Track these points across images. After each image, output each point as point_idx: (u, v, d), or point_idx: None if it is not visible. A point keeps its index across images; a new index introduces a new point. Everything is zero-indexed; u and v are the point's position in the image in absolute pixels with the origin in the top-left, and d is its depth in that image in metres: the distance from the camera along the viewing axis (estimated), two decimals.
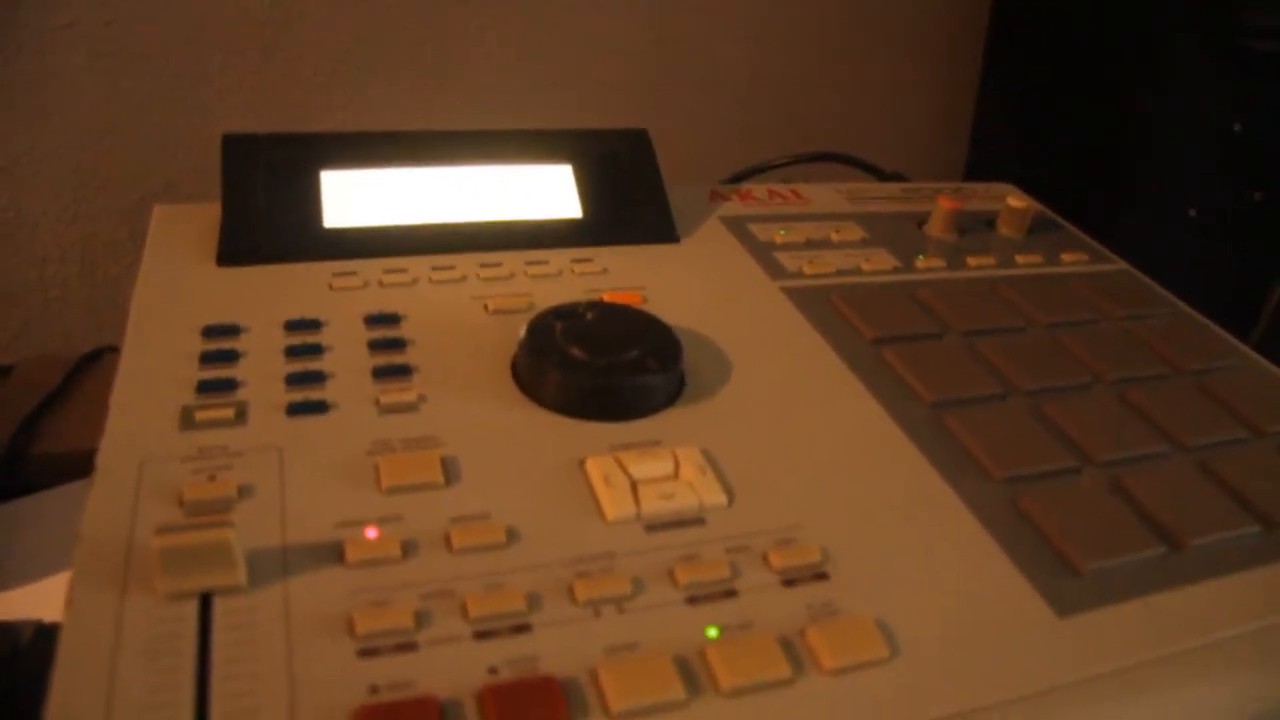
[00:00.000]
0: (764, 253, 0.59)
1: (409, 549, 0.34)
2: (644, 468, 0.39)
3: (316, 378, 0.42)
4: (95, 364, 0.75)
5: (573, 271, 0.53)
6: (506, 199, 0.56)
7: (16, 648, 0.45)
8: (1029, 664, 0.34)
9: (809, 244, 0.61)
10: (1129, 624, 0.37)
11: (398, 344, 0.45)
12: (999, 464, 0.44)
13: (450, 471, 0.38)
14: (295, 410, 0.40)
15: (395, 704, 0.29)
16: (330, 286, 0.49)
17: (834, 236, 0.62)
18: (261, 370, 0.43)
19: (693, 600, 0.34)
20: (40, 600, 0.54)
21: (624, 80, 1.13)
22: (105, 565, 0.32)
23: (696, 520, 0.38)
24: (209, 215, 0.52)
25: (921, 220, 0.66)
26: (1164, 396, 0.51)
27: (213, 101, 0.96)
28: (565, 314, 0.45)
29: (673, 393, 0.45)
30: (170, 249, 0.51)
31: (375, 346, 0.45)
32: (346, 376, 0.43)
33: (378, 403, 0.41)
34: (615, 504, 0.37)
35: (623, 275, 0.53)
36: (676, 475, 0.39)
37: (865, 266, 0.59)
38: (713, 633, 0.33)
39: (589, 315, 0.45)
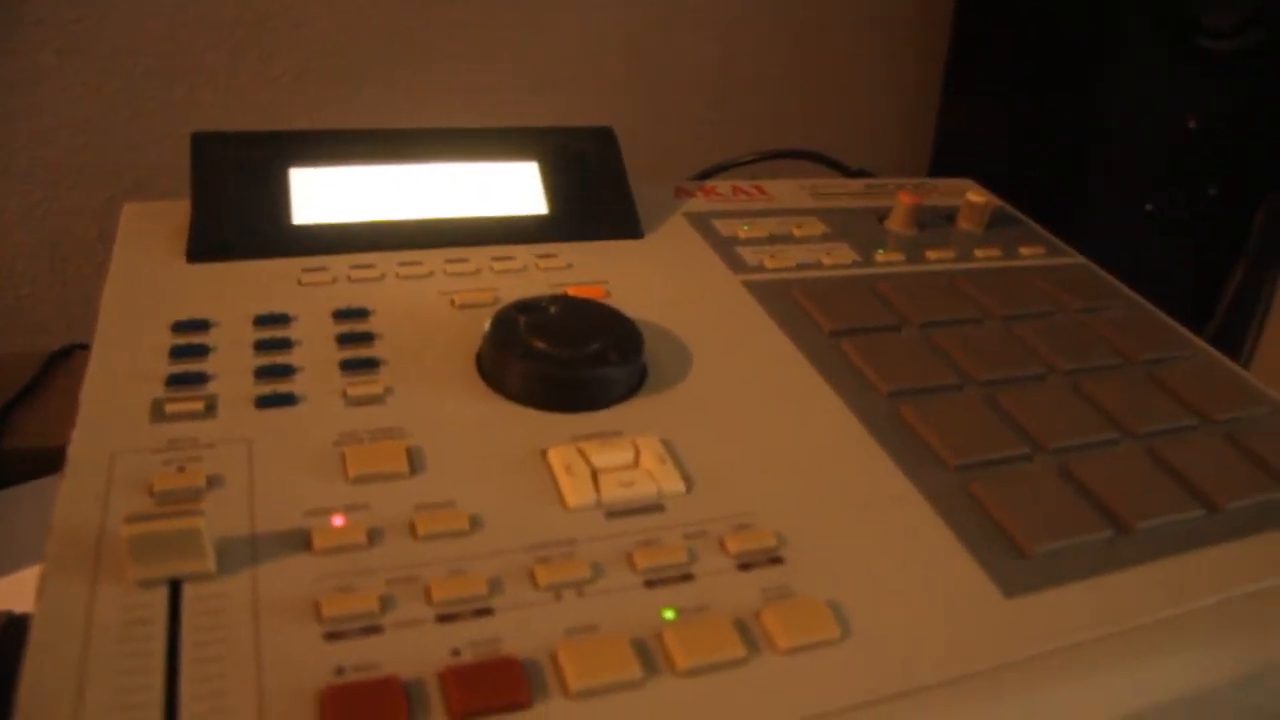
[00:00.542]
0: (727, 247, 0.60)
1: (375, 536, 0.35)
2: (605, 457, 0.40)
3: (285, 371, 0.43)
4: (66, 361, 0.75)
5: (538, 267, 0.54)
6: (473, 196, 0.57)
7: None
8: (976, 643, 0.35)
9: (771, 239, 0.62)
10: (1074, 604, 0.38)
11: (365, 338, 0.46)
12: (952, 452, 0.45)
13: (416, 461, 0.39)
14: (264, 403, 0.41)
15: (360, 684, 0.30)
16: (299, 282, 0.50)
17: (796, 231, 0.63)
18: (231, 364, 0.43)
19: (651, 584, 0.35)
20: (13, 593, 0.55)
21: (591, 79, 1.14)
22: (77, 554, 0.33)
23: (655, 507, 0.39)
24: (179, 213, 0.53)
25: (883, 215, 0.68)
26: (1115, 386, 0.53)
27: (182, 100, 0.96)
28: (529, 308, 0.45)
29: (634, 384, 0.46)
30: (140, 246, 0.51)
31: (343, 340, 0.46)
32: (315, 370, 0.44)
33: (345, 395, 0.42)
34: (576, 492, 0.38)
35: (587, 270, 0.54)
36: (636, 464, 0.40)
37: (826, 260, 0.60)
38: (670, 615, 0.34)
39: (552, 309, 0.46)
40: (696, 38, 1.17)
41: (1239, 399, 0.54)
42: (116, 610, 0.31)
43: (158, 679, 0.29)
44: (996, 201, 0.71)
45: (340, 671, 0.30)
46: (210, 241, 0.51)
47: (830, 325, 0.53)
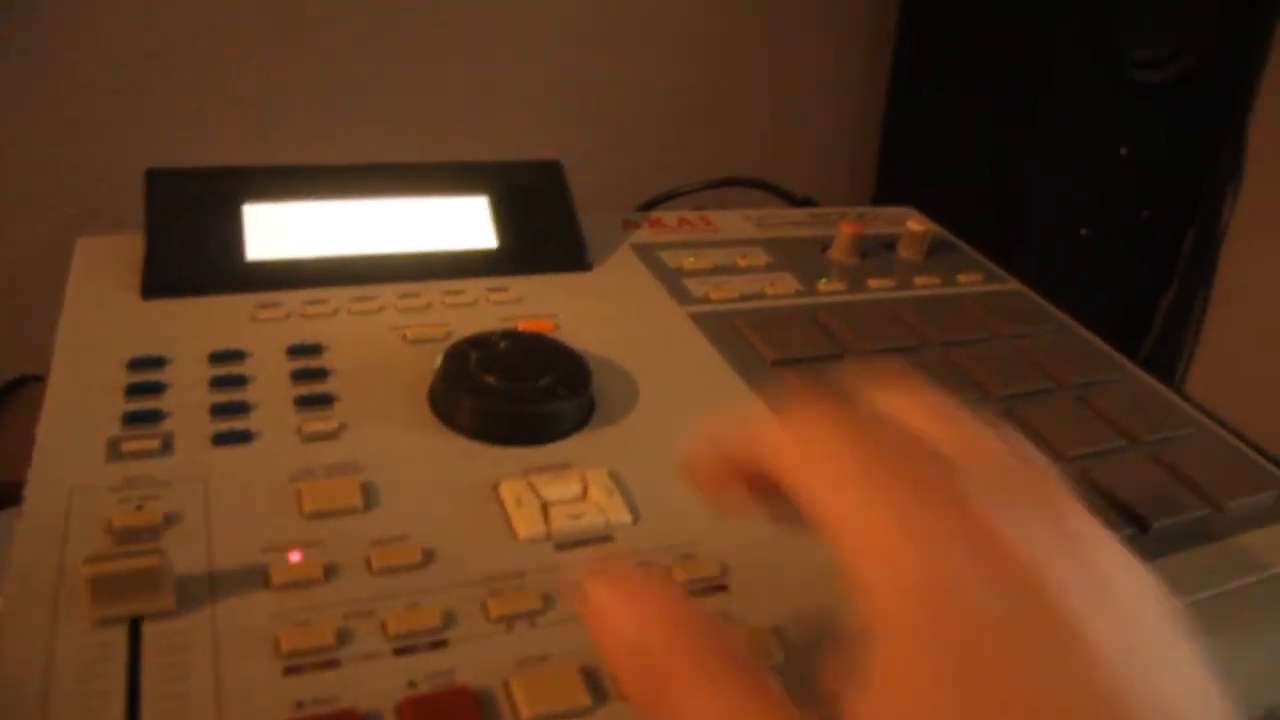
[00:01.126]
0: (673, 279, 0.61)
1: (331, 571, 0.36)
2: (554, 490, 0.41)
3: (241, 408, 0.44)
4: (18, 392, 0.75)
5: (488, 301, 0.55)
6: (425, 230, 0.58)
7: None
8: None
9: (716, 269, 0.63)
10: None
11: (319, 374, 0.47)
12: None
13: (370, 496, 0.40)
14: (220, 440, 0.42)
15: (319, 717, 0.30)
16: (253, 318, 0.50)
17: (740, 262, 0.65)
18: (187, 401, 0.44)
19: None
20: None
21: (537, 111, 1.15)
22: (35, 593, 0.33)
23: (604, 538, 0.40)
24: (132, 247, 0.53)
25: (825, 245, 0.69)
26: (1048, 410, 0.55)
27: (136, 132, 0.96)
28: (479, 343, 0.46)
29: (583, 417, 0.47)
30: (94, 282, 0.52)
31: (298, 376, 0.47)
32: (270, 406, 0.44)
33: (300, 431, 0.43)
34: (526, 524, 0.39)
35: (536, 304, 0.55)
36: (585, 496, 0.41)
37: (770, 290, 0.62)
38: None
39: (502, 344, 0.47)
40: (644, 70, 1.19)
41: (1166, 420, 0.56)
42: (76, 649, 0.32)
43: (118, 717, 0.30)
44: (936, 229, 0.73)
45: (299, 705, 0.31)
46: (164, 278, 0.51)
47: (773, 355, 0.54)
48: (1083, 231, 1.10)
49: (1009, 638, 0.22)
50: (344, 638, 0.33)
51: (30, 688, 0.30)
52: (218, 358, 0.47)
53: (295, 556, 0.36)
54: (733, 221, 0.71)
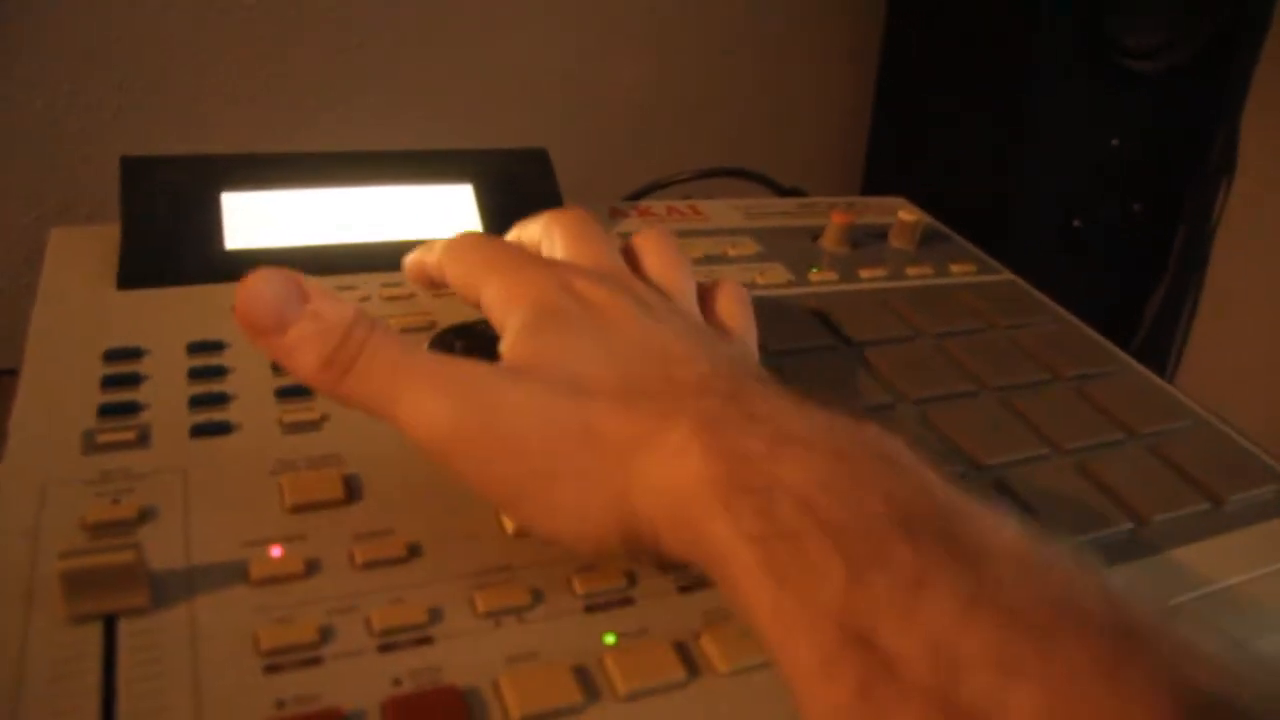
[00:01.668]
0: None
1: (313, 566, 0.35)
2: None
3: (220, 399, 0.43)
4: None
5: None
6: (408, 219, 0.57)
7: None
8: None
9: (705, 259, 0.62)
10: None
11: None
12: None
13: (352, 489, 0.39)
14: (199, 432, 0.41)
15: (301, 717, 0.29)
16: (232, 308, 0.49)
17: (730, 251, 0.64)
18: (164, 393, 0.43)
19: (590, 609, 0.35)
20: None
21: (524, 100, 1.14)
22: (8, 590, 0.32)
23: None
24: (108, 238, 0.52)
25: (816, 234, 0.69)
26: (1045, 402, 0.54)
27: (110, 121, 0.95)
28: (464, 332, 0.45)
29: None
30: (69, 273, 0.50)
31: (278, 367, 0.45)
32: (250, 397, 0.43)
33: (281, 422, 0.42)
34: None
35: None
36: None
37: (760, 280, 0.61)
38: (610, 639, 0.34)
39: (487, 333, 0.46)
40: (630, 58, 1.18)
41: (1163, 412, 0.55)
42: (50, 647, 0.31)
43: (93, 717, 0.29)
44: (928, 219, 0.72)
45: (281, 704, 0.30)
46: (141, 268, 0.50)
47: (765, 345, 0.53)
48: (1075, 223, 1.10)
49: (577, 320, 0.37)
50: (326, 634, 0.32)
51: (3, 686, 0.29)
52: (196, 348, 0.46)
53: (276, 551, 0.35)
54: (722, 211, 0.70)
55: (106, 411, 0.41)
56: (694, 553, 0.32)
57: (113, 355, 0.45)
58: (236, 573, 0.34)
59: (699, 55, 1.21)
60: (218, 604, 0.33)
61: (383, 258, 0.54)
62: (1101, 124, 1.08)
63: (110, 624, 0.32)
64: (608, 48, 1.16)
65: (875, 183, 1.28)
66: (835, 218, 0.67)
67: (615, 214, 0.66)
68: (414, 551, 0.36)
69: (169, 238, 0.52)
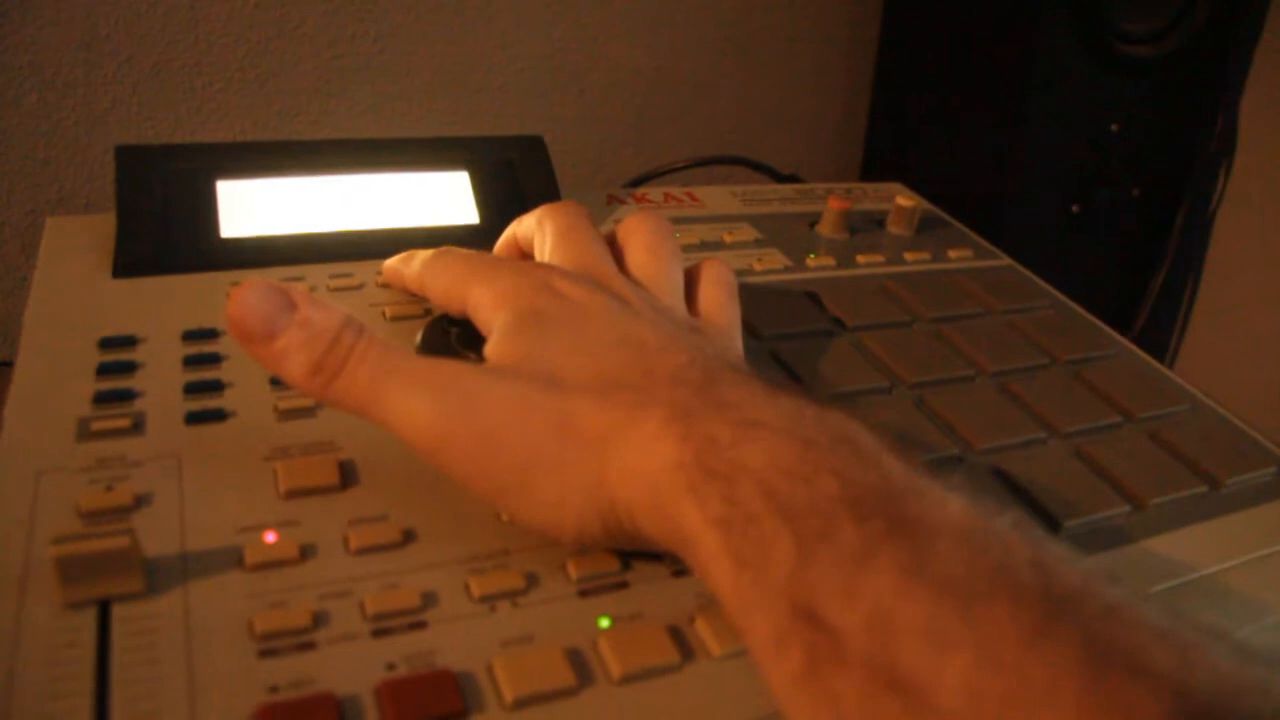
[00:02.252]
0: None
1: (308, 551, 0.35)
2: None
3: (215, 386, 0.43)
4: None
5: None
6: (404, 206, 0.56)
7: None
8: None
9: (702, 245, 0.62)
10: None
11: None
12: None
13: (348, 475, 0.39)
14: (194, 419, 0.41)
15: (294, 702, 0.29)
16: (228, 296, 0.49)
17: (727, 238, 0.64)
18: (159, 380, 0.43)
19: (585, 593, 0.35)
20: None
21: (521, 88, 1.14)
22: (3, 576, 0.32)
23: None
24: (103, 227, 0.52)
25: (813, 220, 0.68)
26: (1042, 386, 0.54)
27: (105, 112, 0.94)
28: (459, 319, 0.45)
29: None
30: (64, 261, 0.50)
31: None
32: (245, 384, 0.43)
33: (276, 409, 0.42)
34: None
35: None
36: None
37: (757, 266, 0.61)
38: (605, 623, 0.34)
39: None
40: (628, 46, 1.17)
41: (1161, 396, 0.55)
42: (44, 633, 0.31)
43: (87, 702, 0.29)
44: (925, 205, 0.72)
45: (274, 689, 0.30)
46: (136, 256, 0.50)
47: (763, 331, 0.53)
48: (1073, 209, 1.09)
49: (556, 319, 0.38)
50: (320, 619, 0.32)
51: None
52: (191, 336, 0.46)
53: (270, 537, 0.35)
54: (719, 197, 0.70)
55: (101, 399, 0.41)
56: (669, 538, 0.33)
57: (108, 343, 0.45)
58: (231, 558, 0.34)
59: (697, 42, 1.21)
60: (212, 589, 0.33)
61: (378, 245, 0.54)
62: (1100, 110, 1.07)
63: (105, 609, 0.32)
64: (606, 35, 1.15)
65: (873, 170, 1.28)
66: (833, 203, 0.67)
67: (612, 201, 0.66)
68: (409, 537, 0.36)
69: (164, 226, 0.52)
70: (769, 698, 0.30)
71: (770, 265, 0.61)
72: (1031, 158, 1.06)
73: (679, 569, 0.37)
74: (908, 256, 0.66)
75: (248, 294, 0.36)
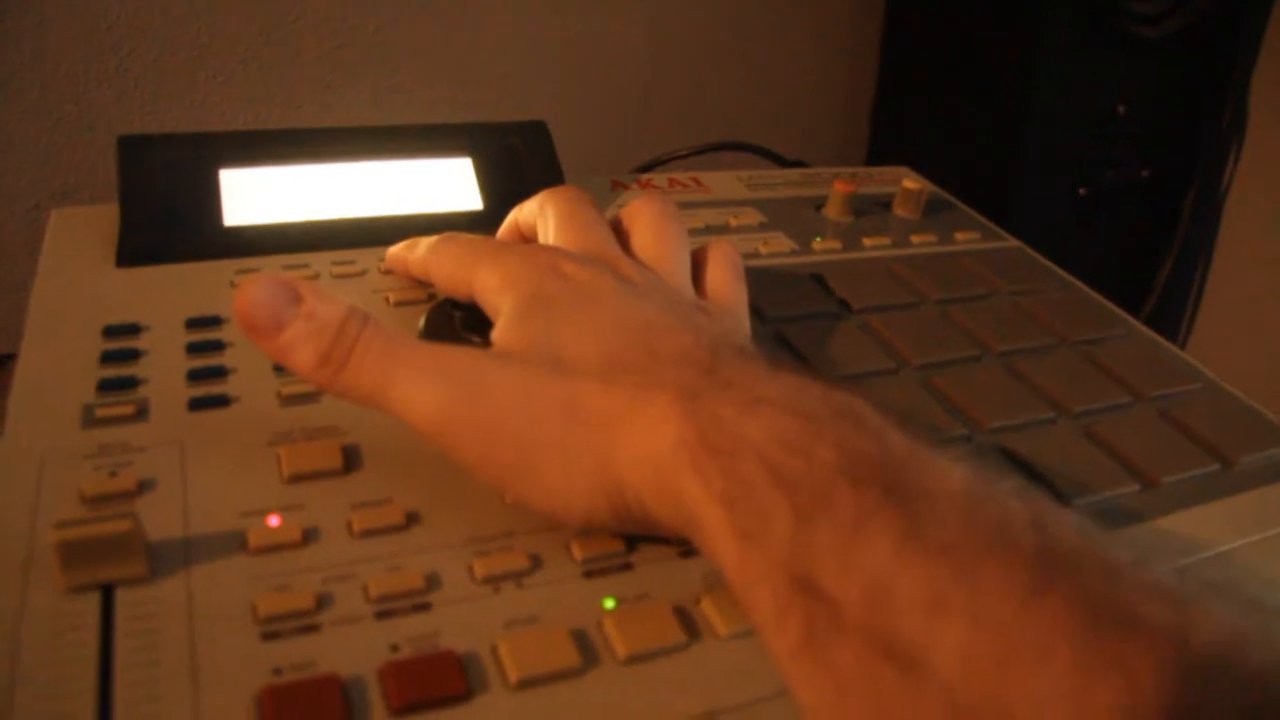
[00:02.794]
0: None
1: (311, 535, 0.35)
2: None
3: (218, 373, 0.43)
4: None
5: None
6: (407, 193, 0.56)
7: None
8: None
9: (707, 230, 0.62)
10: None
11: None
12: None
13: (351, 459, 0.39)
14: (197, 405, 0.41)
15: (298, 684, 0.29)
16: (232, 284, 0.49)
17: (732, 222, 0.63)
18: (163, 368, 0.43)
19: (590, 574, 0.35)
20: None
21: (524, 74, 1.13)
22: (6, 562, 0.32)
23: None
24: (107, 217, 0.52)
25: (819, 204, 0.68)
26: (1050, 366, 0.53)
27: (110, 105, 0.94)
28: (462, 303, 0.45)
29: None
30: (68, 252, 0.50)
31: None
32: (248, 371, 0.43)
33: (279, 395, 0.42)
34: None
35: None
36: None
37: (763, 250, 0.60)
38: (610, 604, 0.34)
39: None
40: (632, 31, 1.17)
41: (1172, 376, 0.55)
42: (47, 618, 0.31)
43: (90, 685, 0.29)
44: (932, 188, 0.72)
45: (278, 671, 0.30)
46: (140, 245, 0.50)
47: (769, 313, 0.53)
48: (1081, 191, 1.09)
49: (562, 302, 0.38)
50: (324, 602, 0.32)
51: (0, 655, 0.29)
52: (195, 324, 0.46)
53: (274, 520, 0.35)
54: (724, 182, 0.70)
55: (105, 386, 0.41)
56: (675, 519, 0.33)
57: (112, 331, 0.45)
58: (234, 542, 0.34)
59: (701, 27, 1.21)
60: (215, 573, 0.33)
61: (382, 232, 0.53)
62: (1107, 90, 1.07)
63: (108, 594, 0.32)
64: (609, 20, 1.15)
65: (879, 155, 1.27)
66: (838, 186, 0.66)
67: (616, 186, 0.66)
68: (412, 519, 0.36)
69: (167, 215, 0.52)
70: (775, 678, 0.30)
71: (776, 249, 0.61)
72: (1037, 140, 1.06)
73: (685, 549, 0.37)
74: (914, 239, 0.65)
75: (253, 288, 0.36)
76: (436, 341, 0.42)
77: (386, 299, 0.49)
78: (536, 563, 0.35)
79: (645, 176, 0.69)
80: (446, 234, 0.46)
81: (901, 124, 1.24)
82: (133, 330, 0.45)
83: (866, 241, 0.64)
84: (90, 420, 0.39)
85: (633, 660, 0.32)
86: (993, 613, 0.25)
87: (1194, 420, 0.51)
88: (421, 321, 0.45)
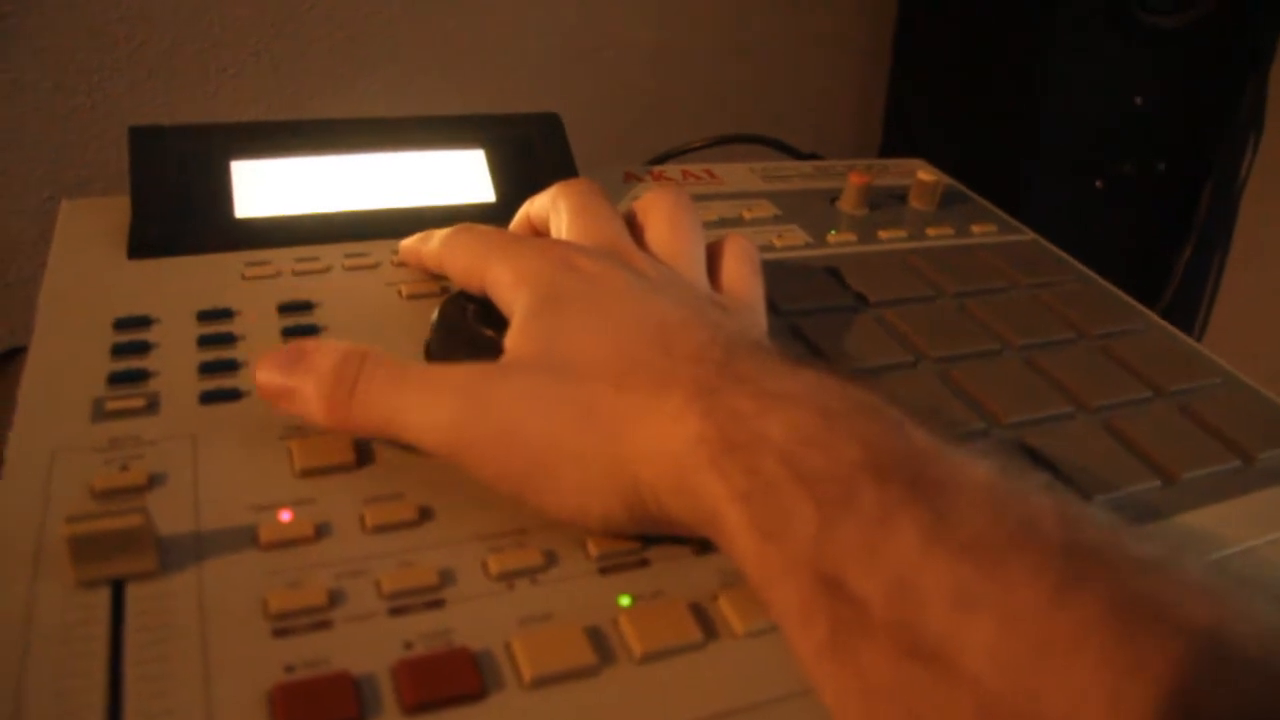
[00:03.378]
0: None
1: (323, 530, 0.35)
2: None
3: (229, 366, 0.42)
4: (8, 365, 0.74)
5: None
6: (419, 185, 0.56)
7: None
8: None
9: (721, 222, 0.62)
10: None
11: (311, 330, 0.45)
12: None
13: (363, 453, 0.38)
14: (208, 398, 0.40)
15: (310, 681, 0.29)
16: (243, 276, 0.49)
17: (746, 214, 0.63)
18: (174, 360, 0.42)
19: (605, 570, 0.35)
20: None
21: (536, 66, 1.13)
22: (16, 556, 0.32)
23: None
24: (118, 209, 0.52)
25: (834, 196, 0.68)
26: (1069, 360, 0.53)
27: (121, 96, 0.94)
28: (476, 296, 0.45)
29: None
30: (79, 243, 0.50)
31: (288, 334, 0.45)
32: None
33: None
34: None
35: None
36: None
37: (778, 243, 0.60)
38: (625, 601, 0.34)
39: None
40: (645, 24, 1.17)
41: (1192, 370, 0.54)
42: (57, 612, 0.30)
43: (100, 680, 0.28)
44: (947, 180, 0.71)
45: (290, 669, 0.30)
46: (151, 237, 0.50)
47: (784, 306, 0.53)
48: (1097, 184, 1.08)
49: (576, 300, 0.38)
50: (336, 598, 0.32)
51: (10, 651, 0.29)
52: (206, 316, 0.45)
53: (285, 515, 0.35)
54: (737, 174, 0.69)
55: (116, 379, 0.41)
56: (694, 517, 0.33)
57: (122, 324, 0.44)
58: (246, 537, 0.34)
59: (715, 19, 1.20)
60: (226, 568, 0.33)
61: (394, 224, 0.53)
62: (1123, 82, 1.06)
63: (118, 588, 0.31)
64: (622, 12, 1.14)
65: (893, 148, 1.27)
66: (853, 179, 0.66)
67: (630, 178, 0.66)
68: (425, 515, 0.36)
69: (179, 207, 0.51)
70: (794, 676, 0.30)
71: (791, 242, 0.60)
72: (1053, 132, 1.05)
73: (701, 547, 0.36)
74: (930, 232, 0.65)
75: (263, 362, 0.38)
76: (441, 361, 0.42)
77: (399, 291, 0.49)
78: (551, 559, 0.35)
79: (659, 169, 0.68)
80: (460, 226, 0.46)
81: (915, 116, 1.23)
82: (144, 323, 0.45)
83: (882, 234, 0.63)
84: (101, 413, 0.39)
85: (648, 659, 0.32)
86: (1022, 609, 0.25)
87: (1214, 415, 0.50)
88: (435, 314, 0.44)
